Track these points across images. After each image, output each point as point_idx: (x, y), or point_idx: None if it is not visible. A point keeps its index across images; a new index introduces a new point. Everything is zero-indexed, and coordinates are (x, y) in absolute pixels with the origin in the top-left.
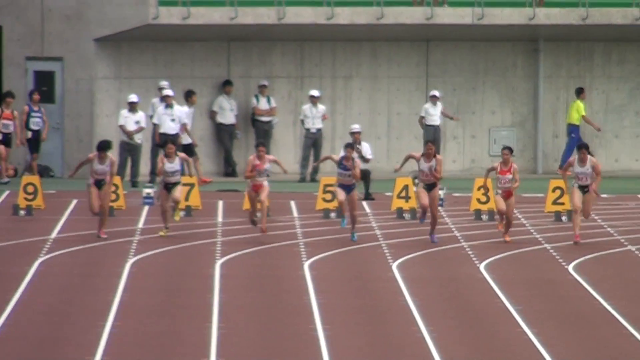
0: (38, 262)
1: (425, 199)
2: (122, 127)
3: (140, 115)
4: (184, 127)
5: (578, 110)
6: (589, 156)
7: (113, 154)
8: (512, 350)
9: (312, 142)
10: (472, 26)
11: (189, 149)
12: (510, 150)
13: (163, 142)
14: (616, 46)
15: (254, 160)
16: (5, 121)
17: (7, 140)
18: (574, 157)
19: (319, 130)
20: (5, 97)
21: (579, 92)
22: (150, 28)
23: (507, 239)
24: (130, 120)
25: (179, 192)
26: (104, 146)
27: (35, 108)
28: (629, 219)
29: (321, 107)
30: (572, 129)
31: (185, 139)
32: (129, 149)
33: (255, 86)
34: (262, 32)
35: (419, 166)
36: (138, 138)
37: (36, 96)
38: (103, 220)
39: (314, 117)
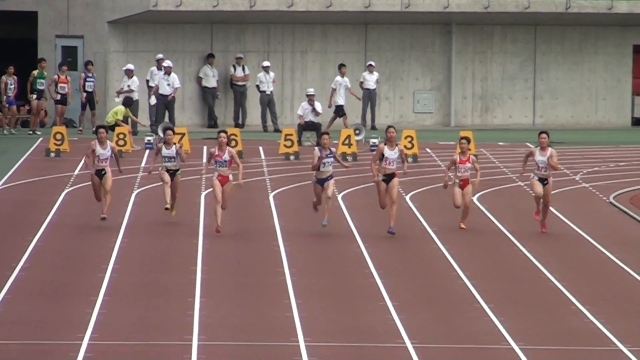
0: (64, 193)
1: (384, 197)
2: (120, 90)
3: (132, 80)
4: (337, 94)
5: None
6: (549, 148)
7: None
8: (429, 260)
9: (267, 101)
10: (400, 13)
11: (341, 109)
12: (468, 140)
13: (161, 109)
14: (510, 29)
15: (215, 150)
16: (62, 84)
17: (63, 100)
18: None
19: (271, 92)
20: (61, 66)
21: None
22: (150, 13)
23: (463, 226)
24: (125, 84)
25: (179, 186)
26: (97, 126)
27: (90, 74)
28: (519, 161)
29: (272, 74)
30: None
31: (340, 100)
32: (127, 105)
33: (233, 58)
34: (237, 17)
35: (385, 154)
36: (133, 98)
37: (90, 66)
38: (106, 201)
39: (267, 82)
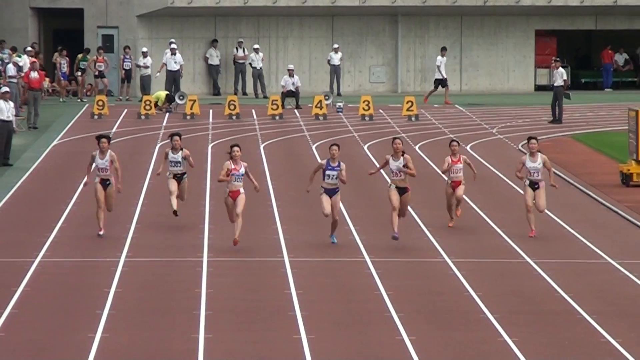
0: None
1: (396, 203)
2: (137, 64)
3: (147, 59)
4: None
5: None
6: (539, 153)
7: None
8: (382, 196)
9: (257, 75)
10: (358, 6)
11: (443, 82)
12: (458, 143)
13: (169, 88)
14: (442, 18)
15: (230, 164)
16: (99, 63)
17: (101, 74)
18: (525, 156)
19: (261, 68)
20: (99, 49)
21: None
22: (169, 9)
23: (451, 224)
24: (141, 62)
25: (185, 191)
26: (98, 136)
27: (127, 56)
28: (452, 119)
29: (261, 54)
30: None
31: (439, 73)
32: (142, 79)
33: (231, 44)
34: (234, 10)
35: (390, 165)
36: (147, 73)
37: (128, 49)
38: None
39: (257, 60)
